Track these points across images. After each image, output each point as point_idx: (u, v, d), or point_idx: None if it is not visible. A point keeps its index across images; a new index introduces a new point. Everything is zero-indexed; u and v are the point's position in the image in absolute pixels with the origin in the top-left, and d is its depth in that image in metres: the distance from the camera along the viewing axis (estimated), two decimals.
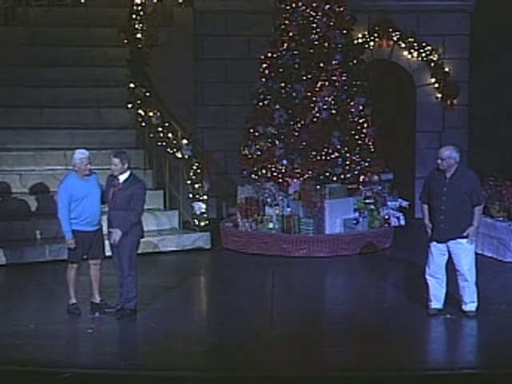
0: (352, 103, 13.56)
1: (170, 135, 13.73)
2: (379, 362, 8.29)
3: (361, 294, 11.12)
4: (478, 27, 15.75)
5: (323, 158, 13.19)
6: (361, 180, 13.60)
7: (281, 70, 13.53)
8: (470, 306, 9.66)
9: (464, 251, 9.54)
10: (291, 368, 8.22)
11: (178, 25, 15.87)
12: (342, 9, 13.74)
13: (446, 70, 15.95)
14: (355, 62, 13.82)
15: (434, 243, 9.66)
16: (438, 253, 9.65)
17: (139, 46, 14.89)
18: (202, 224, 13.64)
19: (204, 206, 13.62)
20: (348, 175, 13.34)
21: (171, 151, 13.70)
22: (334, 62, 13.48)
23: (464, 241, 9.51)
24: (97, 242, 9.82)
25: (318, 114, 13.27)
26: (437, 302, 9.75)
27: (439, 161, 9.56)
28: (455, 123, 16.08)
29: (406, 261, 12.66)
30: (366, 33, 15.88)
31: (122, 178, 9.65)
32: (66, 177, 9.82)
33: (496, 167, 13.78)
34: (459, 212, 9.46)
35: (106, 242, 9.96)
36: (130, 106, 14.26)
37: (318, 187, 13.09)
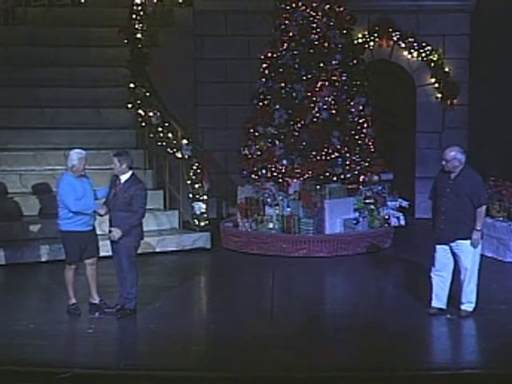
0: (352, 103, 13.56)
1: (170, 135, 13.73)
2: (379, 362, 8.29)
3: (361, 294, 11.12)
4: (478, 27, 15.76)
5: (323, 157, 13.19)
6: (361, 180, 13.60)
7: (281, 70, 13.53)
8: (466, 306, 9.66)
9: (463, 252, 9.54)
10: (291, 368, 8.22)
11: (178, 25, 15.88)
12: (342, 9, 13.74)
13: (446, 69, 15.96)
14: (355, 62, 13.83)
15: (442, 243, 9.70)
16: (441, 251, 9.69)
17: (139, 46, 14.89)
18: (202, 224, 13.63)
19: (204, 206, 13.62)
20: (348, 175, 13.34)
21: (171, 151, 13.70)
22: (334, 62, 13.48)
23: (465, 242, 9.51)
24: (91, 242, 9.81)
25: (318, 114, 13.27)
26: (438, 301, 9.76)
27: (444, 162, 9.56)
28: (455, 123, 16.09)
29: (406, 261, 12.67)
30: (366, 33, 15.89)
31: (124, 178, 9.65)
32: (63, 177, 9.76)
33: (496, 167, 13.78)
34: (459, 213, 9.45)
35: (102, 243, 9.96)
36: (129, 105, 14.27)
37: (318, 187, 13.09)
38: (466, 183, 9.46)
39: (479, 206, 9.47)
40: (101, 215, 9.76)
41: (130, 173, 9.67)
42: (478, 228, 9.47)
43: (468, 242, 9.49)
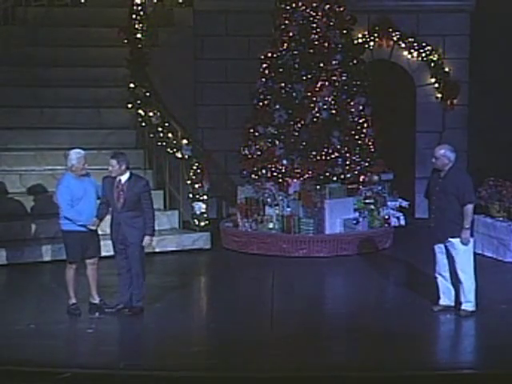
0: (352, 103, 13.56)
1: (169, 135, 13.74)
2: (379, 362, 8.29)
3: (361, 294, 11.11)
4: (478, 27, 15.76)
5: (323, 157, 13.19)
6: (361, 180, 13.60)
7: (281, 70, 13.53)
8: (465, 305, 9.69)
9: (455, 250, 9.59)
10: (291, 368, 8.22)
11: (178, 25, 15.87)
12: (341, 9, 13.75)
13: (446, 70, 15.96)
14: (355, 61, 13.83)
15: (435, 243, 9.76)
16: (438, 251, 9.79)
17: (139, 46, 14.90)
18: (202, 224, 13.64)
19: (204, 206, 13.62)
20: (348, 175, 13.34)
21: (171, 151, 13.70)
22: (334, 62, 13.48)
23: (455, 241, 9.56)
24: (93, 242, 9.81)
25: (318, 114, 13.27)
26: (445, 298, 9.84)
27: (433, 159, 9.67)
28: (455, 123, 16.09)
29: (406, 261, 12.67)
30: (366, 33, 15.89)
31: (124, 178, 9.64)
32: (63, 178, 9.78)
33: (496, 167, 13.78)
34: (447, 212, 9.51)
35: (102, 242, 9.96)
36: (130, 105, 14.27)
37: (317, 187, 13.09)
38: (453, 182, 9.53)
39: (465, 204, 9.49)
40: (91, 230, 9.75)
41: (128, 172, 9.68)
42: (467, 226, 9.50)
43: (458, 240, 9.54)
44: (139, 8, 15.19)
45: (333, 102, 13.36)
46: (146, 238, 9.65)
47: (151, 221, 9.67)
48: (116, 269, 9.87)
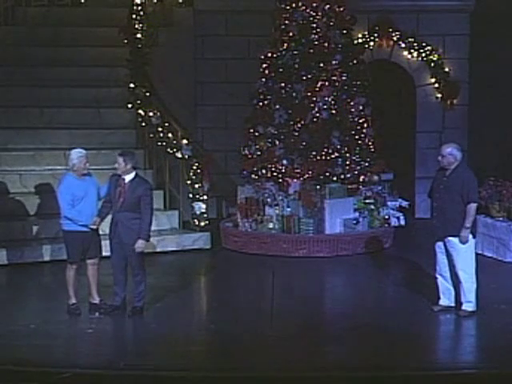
0: (352, 103, 13.57)
1: (170, 135, 13.75)
2: (379, 362, 8.29)
3: (361, 294, 11.13)
4: (478, 27, 15.76)
5: (323, 158, 13.20)
6: (361, 180, 13.60)
7: (281, 70, 13.54)
8: (465, 305, 9.68)
9: (455, 250, 9.58)
10: (291, 368, 8.22)
11: (178, 25, 15.87)
12: (341, 9, 13.75)
13: (446, 70, 15.95)
14: (355, 62, 13.83)
15: (436, 241, 9.75)
16: (439, 251, 9.78)
17: (139, 46, 14.90)
18: (202, 224, 13.64)
19: (204, 206, 13.63)
20: (348, 175, 13.35)
21: (171, 151, 13.71)
22: (334, 62, 13.49)
23: (454, 239, 9.54)
24: (94, 242, 9.81)
25: (318, 114, 13.28)
26: (445, 298, 9.83)
27: (439, 157, 9.65)
28: (455, 123, 16.08)
29: (406, 261, 12.67)
30: (366, 33, 15.88)
31: (128, 178, 9.62)
32: (64, 178, 9.78)
33: (496, 167, 13.78)
34: (450, 210, 9.50)
35: (103, 242, 9.96)
36: (130, 105, 14.27)
37: (318, 187, 13.09)
38: (458, 180, 9.51)
39: (468, 202, 9.47)
40: (92, 229, 9.74)
41: (133, 173, 9.66)
42: (467, 225, 9.46)
43: (458, 239, 9.52)
44: (139, 8, 15.19)
45: (333, 102, 13.36)
46: (139, 242, 9.56)
47: (147, 226, 9.60)
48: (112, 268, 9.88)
